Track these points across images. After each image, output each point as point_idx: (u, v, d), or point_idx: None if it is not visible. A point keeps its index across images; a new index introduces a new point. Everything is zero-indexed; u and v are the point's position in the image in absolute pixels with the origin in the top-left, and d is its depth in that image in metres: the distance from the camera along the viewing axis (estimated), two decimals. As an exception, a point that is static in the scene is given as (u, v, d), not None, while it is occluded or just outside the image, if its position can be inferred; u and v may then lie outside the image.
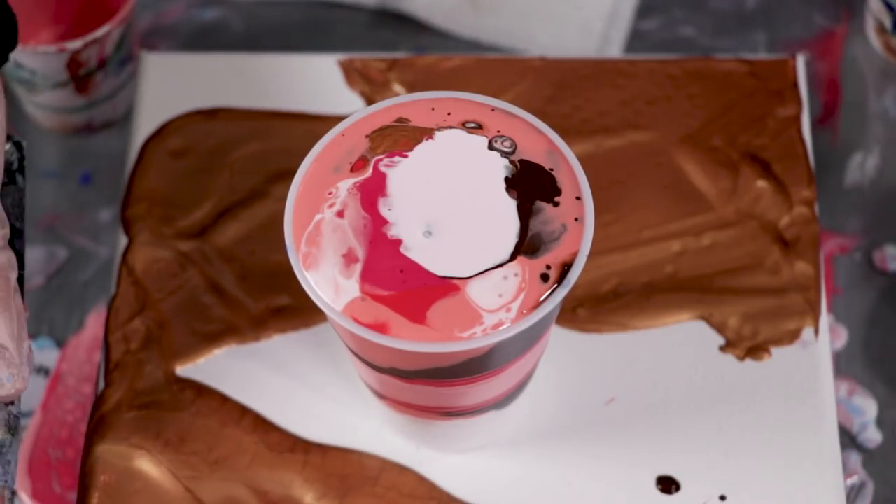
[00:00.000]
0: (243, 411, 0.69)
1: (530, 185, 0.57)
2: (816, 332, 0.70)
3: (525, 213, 0.57)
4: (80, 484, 0.68)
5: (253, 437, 0.69)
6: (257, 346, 0.71)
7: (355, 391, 0.70)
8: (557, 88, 0.76)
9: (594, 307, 0.71)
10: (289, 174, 0.73)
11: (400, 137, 0.58)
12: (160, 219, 0.73)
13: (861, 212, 0.80)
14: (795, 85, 0.76)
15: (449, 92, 0.60)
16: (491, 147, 0.58)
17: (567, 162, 0.58)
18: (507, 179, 0.57)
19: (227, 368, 0.70)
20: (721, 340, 0.70)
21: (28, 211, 0.81)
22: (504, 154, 0.58)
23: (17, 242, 0.61)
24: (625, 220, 0.73)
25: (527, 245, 0.56)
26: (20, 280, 0.59)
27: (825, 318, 0.71)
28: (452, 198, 0.57)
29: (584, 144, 0.75)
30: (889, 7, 0.81)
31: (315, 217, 0.57)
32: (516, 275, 0.56)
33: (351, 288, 0.56)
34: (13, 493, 0.73)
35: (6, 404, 0.59)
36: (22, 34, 0.78)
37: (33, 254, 0.80)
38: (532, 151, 0.58)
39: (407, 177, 0.57)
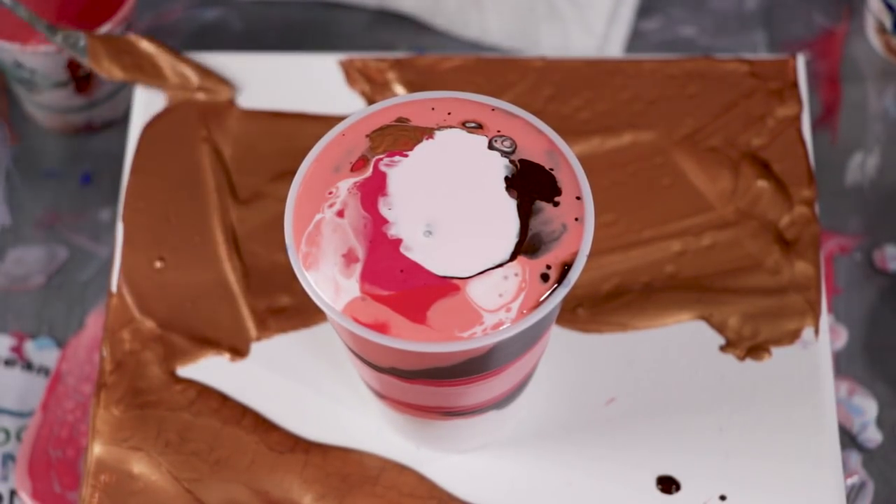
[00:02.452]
0: (244, 411, 0.69)
1: (530, 185, 0.57)
2: (816, 332, 0.70)
3: (525, 213, 0.57)
4: (81, 484, 0.68)
5: (253, 437, 0.69)
6: (257, 346, 0.71)
7: (355, 391, 0.70)
8: (557, 88, 0.76)
9: (594, 307, 0.71)
10: (289, 174, 0.73)
11: (400, 137, 0.58)
12: (160, 219, 0.73)
13: (861, 212, 0.80)
14: (795, 85, 0.76)
15: (449, 92, 0.60)
16: (491, 147, 0.58)
17: (567, 162, 0.58)
18: (507, 179, 0.57)
19: (227, 368, 0.70)
20: (721, 340, 0.70)
21: (28, 211, 0.81)
22: (504, 154, 0.58)
23: None
24: (625, 220, 0.73)
25: (527, 245, 0.56)
26: None
27: (825, 318, 0.71)
28: (452, 197, 0.57)
29: (584, 144, 0.75)
30: (889, 7, 0.81)
31: (315, 217, 0.57)
32: (516, 275, 0.56)
33: (351, 288, 0.56)
34: (13, 493, 0.73)
35: None
36: (22, 34, 0.77)
37: (33, 254, 0.80)
38: (532, 151, 0.58)
39: (407, 176, 0.57)
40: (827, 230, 0.79)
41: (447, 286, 0.55)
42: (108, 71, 0.74)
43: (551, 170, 0.58)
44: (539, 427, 0.69)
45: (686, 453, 0.68)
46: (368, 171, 0.58)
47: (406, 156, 0.58)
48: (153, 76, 0.75)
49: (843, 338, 0.76)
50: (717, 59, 0.77)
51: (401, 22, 0.86)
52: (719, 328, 0.70)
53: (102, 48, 0.74)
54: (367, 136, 0.59)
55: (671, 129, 0.75)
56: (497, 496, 0.68)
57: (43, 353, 0.77)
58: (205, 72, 0.75)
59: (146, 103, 0.76)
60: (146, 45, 0.75)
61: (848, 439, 0.74)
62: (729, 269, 0.72)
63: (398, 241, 0.56)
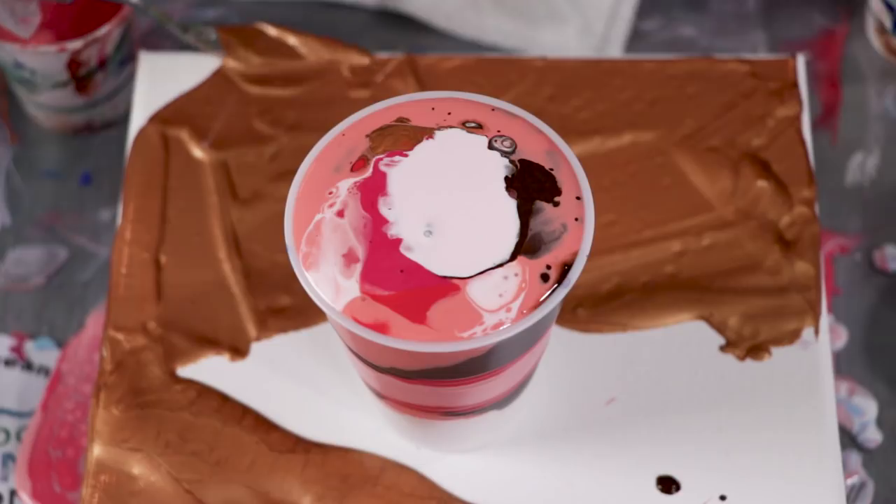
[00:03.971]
0: (244, 411, 0.69)
1: (530, 185, 0.57)
2: (816, 332, 0.70)
3: (525, 213, 0.57)
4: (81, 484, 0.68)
5: (253, 438, 0.69)
6: (257, 346, 0.71)
7: (355, 391, 0.70)
8: (557, 88, 0.76)
9: (594, 307, 0.71)
10: (289, 174, 0.73)
11: (400, 137, 0.58)
12: (160, 219, 0.73)
13: (861, 212, 0.80)
14: (795, 85, 0.76)
15: (449, 92, 0.60)
16: (491, 147, 0.58)
17: (567, 162, 0.58)
18: (507, 179, 0.57)
19: (227, 368, 0.70)
20: (721, 340, 0.70)
21: (28, 211, 0.81)
22: (504, 154, 0.58)
23: None
24: (625, 220, 0.73)
25: (527, 245, 0.56)
26: None
27: (825, 318, 0.71)
28: (452, 197, 0.57)
29: (584, 144, 0.75)
30: (889, 7, 0.81)
31: (315, 217, 0.57)
32: (516, 275, 0.56)
33: (351, 288, 0.56)
34: (13, 493, 0.73)
35: None
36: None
37: (33, 254, 0.80)
38: (532, 151, 0.58)
39: (407, 176, 0.57)
40: (827, 230, 0.79)
41: (447, 286, 0.55)
42: (245, 59, 0.75)
43: (551, 170, 0.58)
44: (539, 427, 0.69)
45: (686, 453, 0.68)
46: (368, 171, 0.58)
47: (406, 156, 0.58)
48: (289, 55, 0.75)
49: (843, 338, 0.76)
50: (717, 60, 0.77)
51: (401, 22, 0.86)
52: (719, 328, 0.70)
53: (235, 39, 0.76)
54: (367, 136, 0.59)
55: (671, 129, 0.75)
56: (497, 496, 0.68)
57: (43, 353, 0.77)
58: (330, 42, 0.76)
59: (146, 103, 0.76)
60: (272, 30, 0.76)
61: (848, 439, 0.74)
62: (729, 269, 0.72)
63: (398, 241, 0.56)
